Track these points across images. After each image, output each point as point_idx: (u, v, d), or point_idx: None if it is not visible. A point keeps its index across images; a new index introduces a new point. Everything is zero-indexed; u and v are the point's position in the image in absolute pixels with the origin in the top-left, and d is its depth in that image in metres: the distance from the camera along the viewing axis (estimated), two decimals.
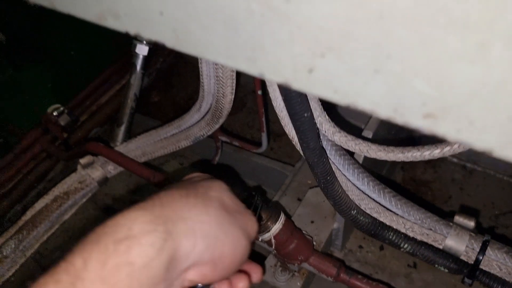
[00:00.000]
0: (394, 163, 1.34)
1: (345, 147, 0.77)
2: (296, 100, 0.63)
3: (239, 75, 1.01)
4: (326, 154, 0.76)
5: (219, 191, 0.51)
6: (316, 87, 0.35)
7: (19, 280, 1.34)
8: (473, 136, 0.32)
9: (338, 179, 0.81)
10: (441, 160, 1.47)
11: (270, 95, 0.71)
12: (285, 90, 0.62)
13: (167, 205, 0.44)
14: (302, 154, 0.79)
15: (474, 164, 1.44)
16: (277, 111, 0.74)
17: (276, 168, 1.38)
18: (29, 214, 1.20)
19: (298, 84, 0.35)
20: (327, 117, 0.74)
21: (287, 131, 0.77)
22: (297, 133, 0.69)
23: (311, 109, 0.67)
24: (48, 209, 1.19)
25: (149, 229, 0.40)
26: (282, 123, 0.75)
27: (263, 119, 1.03)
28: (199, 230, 0.44)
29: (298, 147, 0.77)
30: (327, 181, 0.76)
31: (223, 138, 1.26)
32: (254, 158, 1.43)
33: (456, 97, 0.31)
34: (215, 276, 0.47)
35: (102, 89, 1.64)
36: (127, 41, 1.38)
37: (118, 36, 0.63)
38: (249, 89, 1.82)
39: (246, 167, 1.47)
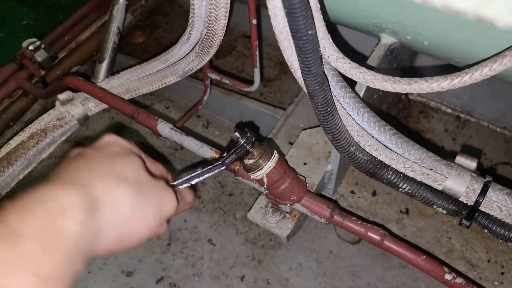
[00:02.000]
0: (390, 106, 1.29)
1: (348, 75, 0.71)
2: (300, 14, 0.56)
3: (230, 14, 0.93)
4: (328, 82, 0.70)
5: (135, 169, 0.55)
6: None
7: None
8: None
9: (338, 112, 0.76)
10: (435, 110, 1.44)
11: (270, 13, 0.64)
12: (289, 2, 0.55)
13: (87, 185, 0.48)
14: (301, 83, 0.73)
15: (468, 115, 1.41)
16: (276, 32, 0.67)
17: (266, 112, 1.33)
18: (3, 151, 1.12)
19: None
20: (331, 40, 0.67)
21: (286, 57, 0.70)
22: (298, 55, 0.62)
23: (315, 28, 0.60)
24: (24, 147, 1.12)
25: (76, 208, 0.45)
26: (281, 47, 0.69)
27: (257, 52, 0.96)
28: (114, 214, 0.49)
29: (298, 74, 0.71)
30: (327, 113, 0.70)
31: (213, 76, 1.19)
32: (243, 101, 1.37)
33: None
34: (120, 249, 0.52)
35: (82, 25, 1.53)
36: None
37: None
38: (239, 32, 1.74)
39: (234, 111, 1.41)
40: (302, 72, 0.65)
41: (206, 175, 0.74)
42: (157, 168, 0.65)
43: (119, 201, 0.50)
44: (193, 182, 0.72)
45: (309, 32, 0.59)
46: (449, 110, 1.42)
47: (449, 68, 1.30)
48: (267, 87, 1.54)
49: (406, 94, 1.46)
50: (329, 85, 0.71)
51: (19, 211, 0.43)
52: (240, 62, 1.64)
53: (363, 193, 1.20)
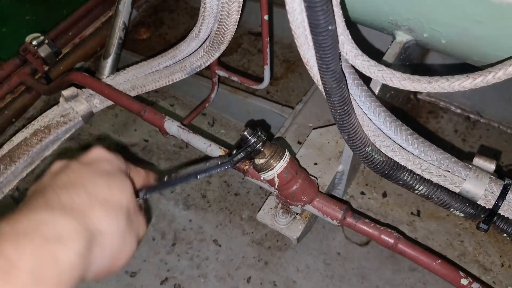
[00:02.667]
0: (399, 106, 1.27)
1: (367, 73, 0.69)
2: (321, 8, 0.54)
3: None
4: (346, 80, 0.68)
5: (127, 197, 0.54)
6: None
7: None
8: None
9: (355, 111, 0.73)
10: (444, 110, 1.41)
11: (287, 7, 0.61)
12: None
13: (87, 214, 0.48)
14: (316, 80, 0.71)
15: (478, 115, 1.38)
16: (292, 28, 0.64)
17: (274, 111, 1.30)
18: (6, 148, 1.10)
19: None
20: (349, 36, 0.65)
21: (301, 53, 0.68)
22: (317, 51, 0.60)
23: (335, 23, 0.58)
24: (27, 144, 1.10)
25: (75, 237, 0.45)
26: (297, 43, 0.66)
27: (267, 49, 0.93)
28: (109, 245, 0.50)
29: (314, 71, 0.68)
30: (344, 112, 0.68)
31: (221, 73, 1.16)
32: (250, 99, 1.34)
33: None
34: (104, 276, 0.53)
35: (86, 20, 1.50)
36: None
37: None
38: (245, 29, 1.71)
39: (241, 109, 1.38)
40: (319, 69, 0.63)
41: (213, 171, 0.73)
42: (139, 175, 0.64)
43: (114, 232, 0.51)
44: (198, 177, 0.71)
45: (329, 28, 0.56)
46: (458, 111, 1.40)
47: (459, 67, 1.28)
48: (273, 86, 1.52)
49: (416, 94, 1.44)
50: (346, 83, 0.68)
51: (16, 237, 0.42)
52: (246, 60, 1.62)
53: (373, 194, 1.17)
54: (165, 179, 0.70)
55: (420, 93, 1.44)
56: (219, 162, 0.75)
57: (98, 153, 0.58)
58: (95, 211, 0.49)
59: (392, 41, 0.91)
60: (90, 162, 0.56)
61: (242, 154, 0.76)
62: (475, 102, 1.38)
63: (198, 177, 0.72)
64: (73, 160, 0.55)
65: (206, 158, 0.95)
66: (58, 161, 0.56)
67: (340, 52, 0.67)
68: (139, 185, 0.64)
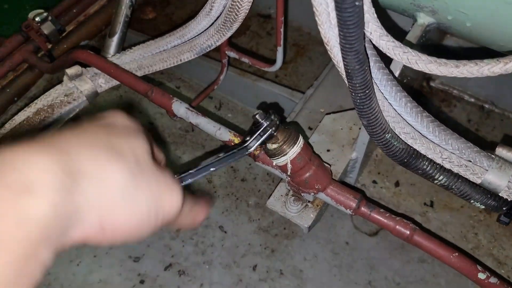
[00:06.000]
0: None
1: (391, 55, 0.65)
2: None
3: None
4: (369, 62, 0.64)
5: (136, 148, 0.43)
6: None
7: None
8: None
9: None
10: (458, 99, 1.37)
11: None
12: None
13: (75, 154, 0.38)
14: (336, 61, 0.67)
15: (492, 105, 1.34)
16: (314, 4, 0.60)
17: (284, 95, 1.26)
18: (8, 127, 1.06)
19: None
20: (375, 15, 0.61)
21: (322, 32, 0.64)
22: (340, 30, 0.56)
23: None
24: (29, 123, 1.06)
25: (51, 185, 0.35)
26: (318, 21, 0.62)
27: (281, 29, 0.89)
28: (97, 193, 0.39)
29: (334, 51, 0.65)
30: (365, 95, 0.64)
31: (231, 54, 1.12)
32: (259, 83, 1.30)
33: None
34: (102, 241, 0.41)
35: None
36: None
37: None
38: (254, 11, 1.66)
39: (249, 93, 1.34)
40: (342, 49, 0.59)
41: (230, 160, 0.68)
42: (158, 156, 0.53)
43: (107, 178, 0.39)
44: (214, 169, 0.65)
45: (356, 3, 0.52)
46: (472, 100, 1.36)
47: (473, 51, 1.23)
48: (282, 69, 1.48)
49: (428, 81, 1.40)
50: (369, 65, 0.65)
51: None
52: (255, 43, 1.57)
53: (386, 183, 1.14)
54: (177, 176, 0.62)
55: (433, 80, 1.40)
56: (236, 149, 0.70)
57: (114, 113, 0.48)
58: (81, 149, 0.38)
59: (413, 24, 0.86)
60: (108, 124, 0.46)
61: (257, 140, 0.72)
62: (490, 91, 1.34)
63: (215, 169, 0.65)
64: (89, 121, 0.46)
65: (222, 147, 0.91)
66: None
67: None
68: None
